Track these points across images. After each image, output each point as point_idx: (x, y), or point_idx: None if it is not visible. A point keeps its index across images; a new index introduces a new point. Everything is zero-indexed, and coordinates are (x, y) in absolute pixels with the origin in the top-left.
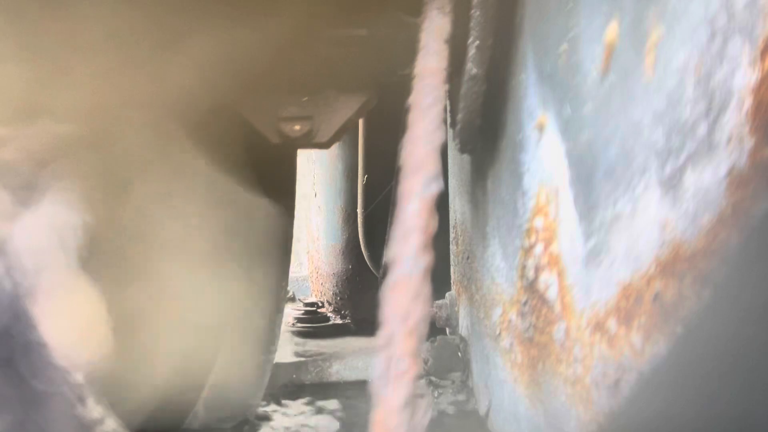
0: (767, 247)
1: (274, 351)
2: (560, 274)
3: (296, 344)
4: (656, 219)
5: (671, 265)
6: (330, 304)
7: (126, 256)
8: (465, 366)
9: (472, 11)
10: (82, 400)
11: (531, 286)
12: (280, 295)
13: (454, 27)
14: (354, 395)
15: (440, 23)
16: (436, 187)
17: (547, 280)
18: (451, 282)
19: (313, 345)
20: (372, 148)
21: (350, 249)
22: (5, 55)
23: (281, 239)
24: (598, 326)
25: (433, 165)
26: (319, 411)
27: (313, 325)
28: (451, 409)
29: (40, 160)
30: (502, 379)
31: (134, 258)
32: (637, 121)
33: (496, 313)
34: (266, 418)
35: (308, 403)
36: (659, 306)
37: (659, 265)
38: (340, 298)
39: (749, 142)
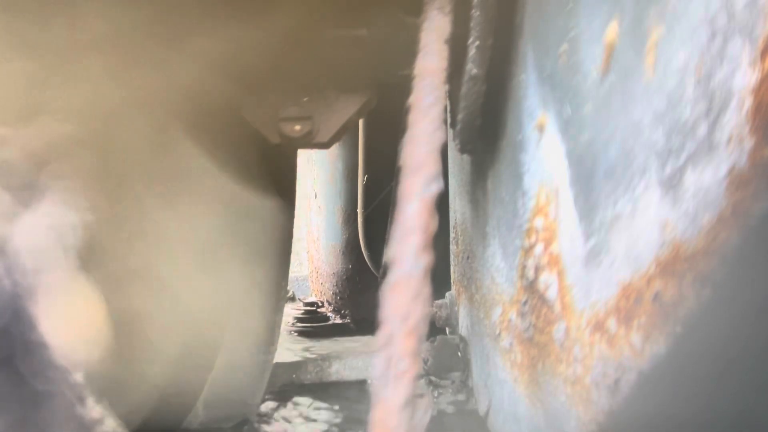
0: (767, 247)
1: (274, 351)
2: (560, 274)
3: (296, 344)
4: (656, 219)
5: (671, 265)
6: (330, 303)
7: (126, 255)
8: (465, 366)
9: (472, 11)
10: (82, 400)
11: (531, 286)
12: (280, 294)
13: (454, 27)
14: (354, 395)
15: (440, 23)
16: (436, 187)
17: (547, 280)
18: (451, 282)
19: (313, 345)
20: (372, 148)
21: (350, 249)
22: (6, 53)
23: (281, 239)
24: (598, 326)
25: (433, 165)
26: (319, 411)
27: (313, 324)
28: (451, 409)
29: (40, 160)
30: (502, 379)
31: (134, 258)
32: (637, 121)
33: (496, 312)
34: (266, 417)
35: (308, 403)
36: (659, 306)
37: (659, 265)
38: (340, 298)
39: (749, 143)
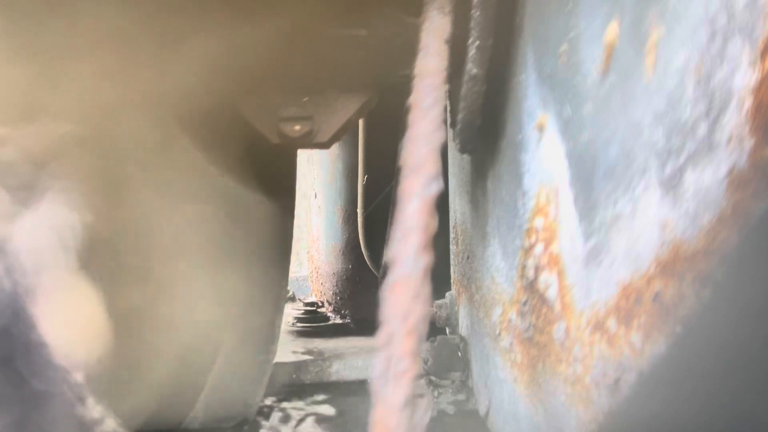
0: (767, 247)
1: (274, 351)
2: (560, 274)
3: (296, 344)
4: (656, 219)
5: (671, 265)
6: (330, 303)
7: (125, 255)
8: (465, 366)
9: (472, 11)
10: (82, 400)
11: (531, 286)
12: (280, 294)
13: (454, 27)
14: (354, 395)
15: (440, 23)
16: (436, 187)
17: (547, 279)
18: (451, 282)
19: (313, 345)
20: (372, 148)
21: (350, 249)
22: (5, 54)
23: (281, 239)
24: (598, 326)
25: (433, 165)
26: (319, 411)
27: (313, 324)
28: (451, 409)
29: (39, 160)
30: (502, 379)
31: (134, 258)
32: (637, 121)
33: (496, 312)
34: (266, 417)
35: (308, 403)
36: (659, 306)
37: (659, 265)
38: (340, 298)
39: (749, 142)
